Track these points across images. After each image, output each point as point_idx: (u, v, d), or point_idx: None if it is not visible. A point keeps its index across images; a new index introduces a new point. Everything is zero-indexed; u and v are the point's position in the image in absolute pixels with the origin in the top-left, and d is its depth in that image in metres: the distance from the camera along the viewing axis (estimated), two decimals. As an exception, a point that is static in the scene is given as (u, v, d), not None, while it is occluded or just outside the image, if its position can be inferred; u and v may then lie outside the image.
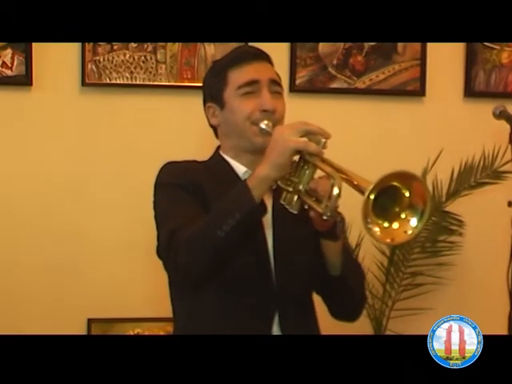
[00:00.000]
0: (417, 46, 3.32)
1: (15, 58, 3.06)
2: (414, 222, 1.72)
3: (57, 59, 3.11)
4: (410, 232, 1.73)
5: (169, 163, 2.07)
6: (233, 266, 1.89)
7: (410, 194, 1.72)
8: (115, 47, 3.13)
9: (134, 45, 3.14)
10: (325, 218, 1.80)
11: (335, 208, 1.82)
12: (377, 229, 1.71)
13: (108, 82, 3.14)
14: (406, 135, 3.37)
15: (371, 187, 1.67)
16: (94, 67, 3.12)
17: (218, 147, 2.11)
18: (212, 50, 3.19)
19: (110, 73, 3.13)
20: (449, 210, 3.23)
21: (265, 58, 2.08)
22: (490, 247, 3.27)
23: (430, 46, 3.31)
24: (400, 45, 3.32)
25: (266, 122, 1.96)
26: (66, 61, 3.12)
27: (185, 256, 1.84)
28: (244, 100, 1.99)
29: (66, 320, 3.10)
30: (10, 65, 3.07)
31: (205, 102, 2.10)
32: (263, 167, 1.82)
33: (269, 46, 3.14)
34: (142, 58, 3.15)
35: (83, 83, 3.12)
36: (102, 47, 3.12)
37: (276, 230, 1.98)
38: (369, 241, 3.25)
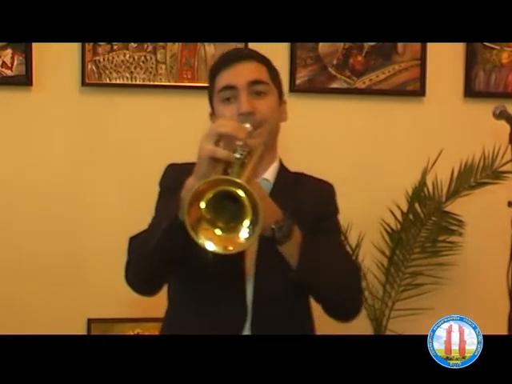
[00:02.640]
0: (417, 46, 3.32)
1: (15, 58, 3.07)
2: (245, 233, 1.65)
3: (57, 59, 3.11)
4: (203, 244, 1.65)
5: (169, 165, 2.08)
6: (205, 277, 1.91)
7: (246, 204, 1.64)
8: (115, 47, 3.14)
9: (134, 45, 3.14)
10: None
11: None
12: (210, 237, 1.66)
13: (108, 82, 3.14)
14: (406, 135, 3.37)
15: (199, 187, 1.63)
16: (94, 67, 3.12)
17: None
18: (212, 50, 3.20)
19: (110, 73, 3.13)
20: (449, 210, 3.24)
21: (251, 57, 2.03)
22: (490, 247, 3.27)
23: (430, 46, 3.31)
24: (400, 45, 3.32)
25: (245, 125, 1.90)
26: (66, 61, 3.12)
27: (129, 267, 1.93)
28: (225, 106, 1.98)
29: (66, 320, 3.10)
30: (9, 65, 3.07)
31: None
32: (191, 177, 1.79)
33: (269, 46, 3.16)
34: (142, 58, 3.16)
35: (83, 83, 3.12)
36: (102, 47, 3.13)
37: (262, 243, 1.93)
38: (369, 241, 3.26)
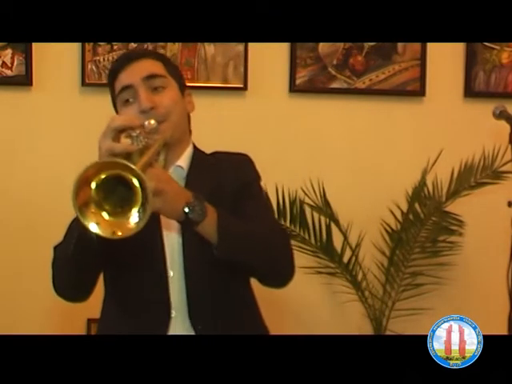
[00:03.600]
0: (417, 46, 3.32)
1: (15, 58, 3.07)
2: (135, 217, 1.63)
3: (57, 59, 3.11)
4: (90, 228, 1.63)
5: None
6: (128, 272, 1.92)
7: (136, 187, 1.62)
8: (115, 47, 3.14)
9: (133, 45, 3.14)
10: None
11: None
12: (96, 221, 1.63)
13: (108, 82, 3.14)
14: (406, 135, 3.37)
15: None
16: (94, 67, 3.12)
17: None
18: (212, 50, 3.20)
19: (110, 73, 3.14)
20: (449, 210, 3.24)
21: (144, 56, 2.02)
22: (490, 247, 3.27)
23: (430, 46, 3.31)
24: (400, 45, 3.32)
25: (147, 121, 1.88)
26: (66, 61, 3.13)
27: (53, 275, 1.96)
28: (126, 107, 1.98)
29: (66, 320, 3.10)
30: (9, 65, 3.07)
31: None
32: None
33: (269, 46, 3.17)
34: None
35: (83, 83, 3.13)
36: (102, 47, 3.13)
37: (185, 232, 1.93)
38: (369, 241, 3.26)
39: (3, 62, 3.07)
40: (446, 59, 3.38)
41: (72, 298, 2.03)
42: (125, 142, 1.79)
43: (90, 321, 3.14)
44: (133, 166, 1.60)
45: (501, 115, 2.49)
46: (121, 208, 1.64)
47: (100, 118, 3.14)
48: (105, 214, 1.63)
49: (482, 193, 3.22)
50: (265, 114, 3.27)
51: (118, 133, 1.77)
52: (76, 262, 1.84)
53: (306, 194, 3.17)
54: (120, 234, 1.63)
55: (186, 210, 1.75)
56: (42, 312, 3.11)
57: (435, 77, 3.35)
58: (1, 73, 3.07)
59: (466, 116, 3.39)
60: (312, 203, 3.18)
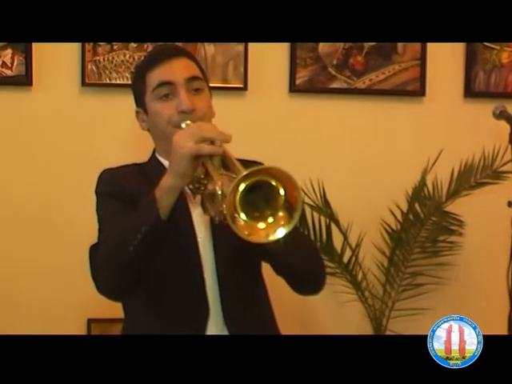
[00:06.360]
0: (417, 46, 3.32)
1: (15, 58, 3.07)
2: (281, 231, 1.66)
3: (57, 59, 3.11)
4: (270, 238, 1.66)
5: (104, 171, 2.08)
6: (162, 273, 1.89)
7: (285, 199, 1.66)
8: (115, 47, 3.14)
9: (133, 45, 3.14)
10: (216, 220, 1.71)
11: (221, 210, 1.67)
12: (241, 221, 1.64)
13: (108, 82, 3.14)
14: (406, 135, 3.37)
15: (243, 174, 1.62)
16: (94, 67, 3.12)
17: (155, 149, 2.09)
18: (212, 50, 3.19)
19: (110, 73, 3.13)
20: (449, 210, 3.24)
21: (182, 54, 2.01)
22: (490, 247, 3.27)
23: (430, 46, 3.31)
24: (400, 45, 3.32)
25: (186, 122, 1.90)
26: (66, 61, 3.12)
27: (101, 275, 1.87)
28: (162, 103, 1.96)
29: (66, 320, 3.10)
30: (9, 65, 3.07)
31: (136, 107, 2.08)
32: (167, 177, 1.77)
33: (269, 46, 3.17)
34: (142, 58, 3.15)
35: (83, 83, 3.12)
36: (102, 47, 3.13)
37: (215, 229, 1.93)
38: (369, 241, 3.26)
39: (3, 62, 3.07)
40: (446, 59, 3.38)
41: (119, 297, 1.98)
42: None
43: (90, 321, 3.15)
44: (272, 166, 1.65)
45: (501, 115, 2.50)
46: (270, 211, 1.66)
47: (100, 118, 3.17)
48: (260, 224, 1.66)
49: (482, 193, 3.22)
50: (265, 113, 3.27)
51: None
52: (137, 259, 1.79)
53: (306, 194, 3.17)
54: (283, 223, 1.66)
55: None
56: (42, 312, 3.11)
57: (435, 77, 3.35)
58: (1, 73, 3.07)
59: (466, 116, 3.39)
60: (312, 203, 3.18)
